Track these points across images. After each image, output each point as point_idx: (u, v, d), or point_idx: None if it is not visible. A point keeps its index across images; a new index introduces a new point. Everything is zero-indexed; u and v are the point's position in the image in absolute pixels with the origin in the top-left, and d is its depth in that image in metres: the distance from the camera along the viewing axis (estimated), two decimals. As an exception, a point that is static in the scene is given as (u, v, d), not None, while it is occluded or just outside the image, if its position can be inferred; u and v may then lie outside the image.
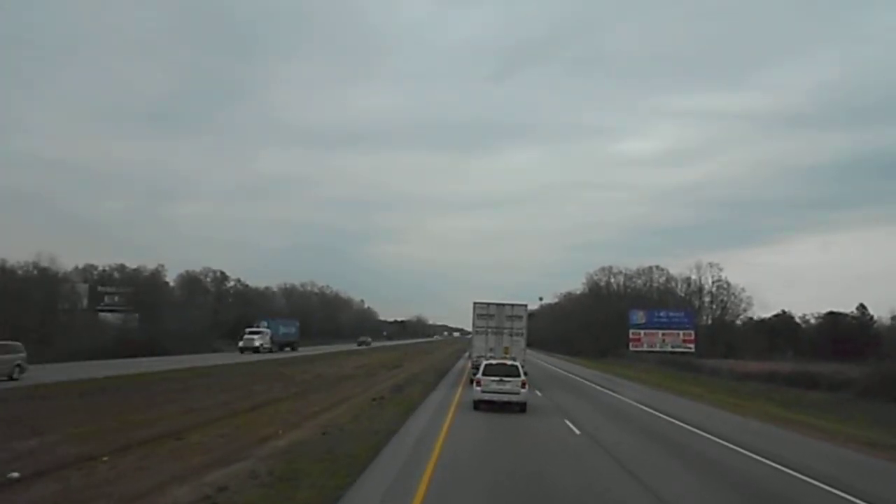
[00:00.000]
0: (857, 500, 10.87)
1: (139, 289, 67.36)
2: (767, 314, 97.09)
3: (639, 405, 25.99)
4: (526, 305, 35.00)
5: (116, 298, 65.14)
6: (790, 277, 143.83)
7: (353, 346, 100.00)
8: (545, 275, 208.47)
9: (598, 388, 35.31)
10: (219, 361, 44.72)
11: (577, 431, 17.68)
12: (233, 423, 19.02)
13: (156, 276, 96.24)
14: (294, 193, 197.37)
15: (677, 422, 21.10)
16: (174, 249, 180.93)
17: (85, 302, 64.59)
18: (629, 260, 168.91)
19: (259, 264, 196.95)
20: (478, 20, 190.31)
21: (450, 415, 19.30)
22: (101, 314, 64.51)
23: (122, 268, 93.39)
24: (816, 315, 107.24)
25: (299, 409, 22.37)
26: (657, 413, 23.53)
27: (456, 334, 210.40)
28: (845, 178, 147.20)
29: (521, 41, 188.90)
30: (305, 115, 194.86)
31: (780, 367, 48.23)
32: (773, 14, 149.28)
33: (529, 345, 40.27)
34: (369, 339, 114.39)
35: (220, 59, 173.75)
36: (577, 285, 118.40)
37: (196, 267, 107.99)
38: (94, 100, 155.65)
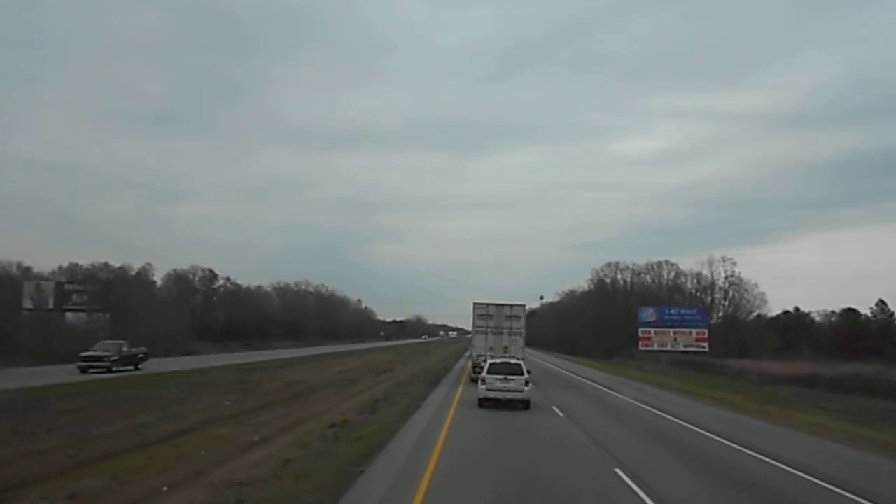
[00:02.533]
0: None
1: (109, 286, 60.54)
2: (770, 312, 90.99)
3: (694, 428, 18.72)
4: (524, 306, 34.84)
5: (86, 297, 58.36)
6: (790, 276, 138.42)
7: (349, 348, 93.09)
8: (545, 275, 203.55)
9: (622, 397, 28.49)
10: (183, 366, 38.20)
11: (644, 495, 10.24)
12: (121, 465, 12.67)
13: (142, 275, 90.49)
14: (294, 194, 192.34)
15: (779, 464, 13.61)
16: (174, 251, 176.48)
17: (51, 301, 57.98)
18: (629, 260, 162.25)
19: (258, 265, 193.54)
20: (477, 21, 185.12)
21: (432, 461, 12.23)
22: (68, 314, 57.99)
23: (105, 266, 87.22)
24: (821, 312, 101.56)
25: (232, 438, 15.94)
26: (730, 443, 16.10)
27: (452, 334, 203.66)
28: (845, 176, 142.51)
29: (520, 41, 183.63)
30: (305, 115, 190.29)
31: (820, 370, 41.65)
32: (772, 14, 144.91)
33: (530, 344, 41.15)
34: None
35: (220, 60, 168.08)
36: (577, 285, 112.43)
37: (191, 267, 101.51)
38: (93, 101, 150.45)
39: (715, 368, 53.01)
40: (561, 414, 19.83)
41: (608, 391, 31.80)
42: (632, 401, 26.00)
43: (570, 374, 46.13)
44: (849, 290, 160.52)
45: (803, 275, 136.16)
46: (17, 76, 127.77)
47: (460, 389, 27.45)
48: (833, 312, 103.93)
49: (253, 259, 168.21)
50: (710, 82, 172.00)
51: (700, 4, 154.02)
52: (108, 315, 56.09)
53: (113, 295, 58.53)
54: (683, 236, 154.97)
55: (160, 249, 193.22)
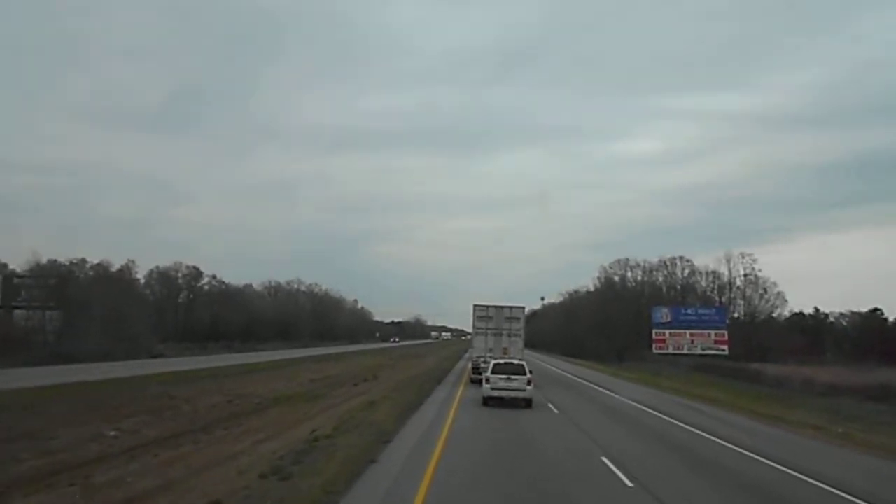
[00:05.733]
0: None
1: (65, 282, 52.55)
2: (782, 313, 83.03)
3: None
4: (524, 308, 34.14)
5: (36, 293, 50.55)
6: (792, 276, 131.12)
7: (339, 350, 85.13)
8: (545, 275, 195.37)
9: (676, 423, 19.97)
10: (116, 374, 30.43)
11: None
12: None
13: (124, 273, 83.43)
14: (293, 194, 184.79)
15: None
16: (172, 250, 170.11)
17: (-1, 298, 50.36)
18: (639, 257, 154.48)
19: (259, 266, 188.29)
20: (477, 21, 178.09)
21: None
22: (17, 311, 50.35)
23: (82, 262, 79.88)
24: (832, 313, 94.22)
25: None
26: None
27: (446, 335, 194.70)
28: (848, 177, 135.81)
29: (521, 42, 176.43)
30: (305, 116, 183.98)
31: (889, 379, 33.91)
32: (773, 14, 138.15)
33: (531, 346, 39.79)
34: None
35: (220, 61, 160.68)
36: (579, 285, 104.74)
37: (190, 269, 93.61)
38: (89, 103, 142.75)
39: (748, 375, 45.14)
40: (628, 482, 10.75)
41: (648, 411, 23.34)
42: (701, 433, 17.32)
43: (589, 384, 38.01)
44: (852, 292, 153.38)
45: (805, 275, 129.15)
46: (17, 76, 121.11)
47: (452, 411, 19.64)
48: (842, 314, 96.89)
49: (252, 260, 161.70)
50: (711, 82, 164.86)
51: (700, 5, 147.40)
52: (48, 313, 48.37)
53: (69, 291, 50.75)
54: (684, 236, 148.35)
55: (159, 249, 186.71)
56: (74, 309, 49.52)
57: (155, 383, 25.87)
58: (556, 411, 21.81)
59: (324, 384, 31.66)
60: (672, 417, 21.28)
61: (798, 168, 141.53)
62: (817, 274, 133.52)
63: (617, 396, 29.43)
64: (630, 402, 27.00)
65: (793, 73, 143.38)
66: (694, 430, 18.43)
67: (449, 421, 17.28)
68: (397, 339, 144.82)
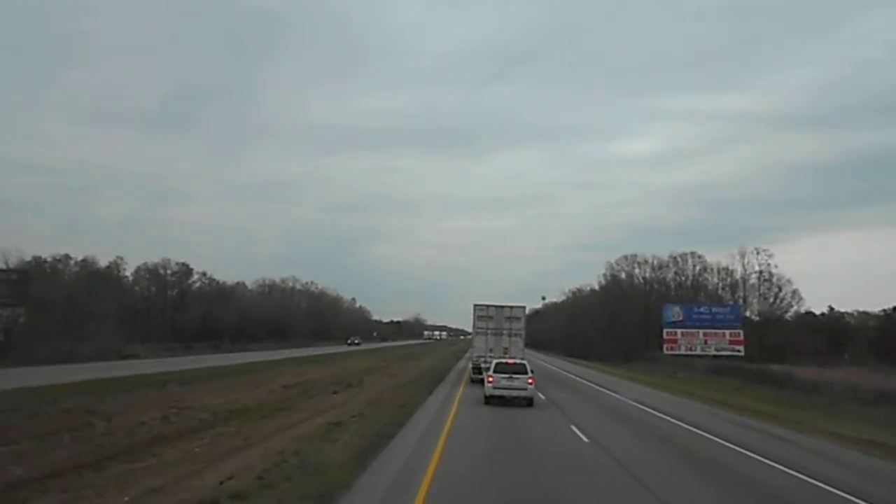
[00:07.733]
0: None
1: (25, 277, 47.36)
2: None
3: None
4: (524, 307, 33.80)
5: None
6: (796, 275, 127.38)
7: (331, 350, 79.99)
8: (546, 275, 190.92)
9: (772, 465, 13.17)
10: (45, 380, 25.27)
11: None
12: None
13: (112, 270, 79.10)
14: (292, 194, 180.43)
15: None
16: (169, 251, 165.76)
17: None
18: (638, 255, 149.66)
19: (257, 267, 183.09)
20: (477, 21, 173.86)
21: None
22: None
23: (66, 259, 75.12)
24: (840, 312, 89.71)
25: None
26: None
27: (441, 334, 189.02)
28: (849, 177, 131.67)
29: (521, 42, 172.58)
30: (305, 116, 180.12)
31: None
32: (773, 14, 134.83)
33: (533, 346, 36.04)
34: None
35: (218, 62, 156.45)
36: (582, 283, 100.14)
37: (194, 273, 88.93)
38: (86, 103, 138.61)
39: (775, 378, 40.05)
40: None
41: (704, 436, 16.54)
42: (814, 481, 11.47)
43: (608, 392, 32.53)
44: (853, 291, 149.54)
45: (808, 275, 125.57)
46: (15, 76, 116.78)
47: (442, 439, 14.60)
48: (849, 313, 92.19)
49: (251, 260, 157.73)
50: (711, 82, 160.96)
51: (701, 4, 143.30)
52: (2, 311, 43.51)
53: (30, 288, 45.81)
54: (684, 237, 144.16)
55: (157, 248, 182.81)
56: (34, 307, 44.78)
57: (78, 393, 20.83)
58: (585, 440, 15.65)
59: (298, 391, 26.74)
60: (744, 448, 15.06)
61: (799, 168, 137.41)
62: (820, 274, 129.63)
63: (650, 410, 23.38)
64: (670, 419, 20.54)
65: (793, 73, 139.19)
66: (791, 471, 12.43)
67: (434, 460, 11.98)
68: (358, 341, 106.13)
